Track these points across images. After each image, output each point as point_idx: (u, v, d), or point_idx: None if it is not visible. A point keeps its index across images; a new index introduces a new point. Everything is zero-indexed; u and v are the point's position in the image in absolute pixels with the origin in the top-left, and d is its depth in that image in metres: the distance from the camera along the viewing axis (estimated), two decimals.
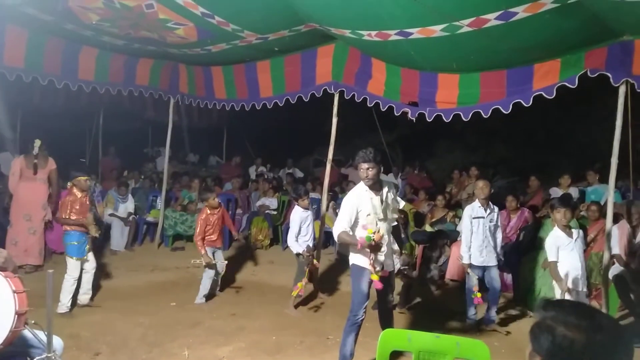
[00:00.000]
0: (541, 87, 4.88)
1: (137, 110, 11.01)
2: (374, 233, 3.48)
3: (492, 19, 4.13)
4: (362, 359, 3.89)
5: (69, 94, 8.02)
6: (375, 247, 3.54)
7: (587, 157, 8.67)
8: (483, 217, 4.74)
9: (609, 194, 4.83)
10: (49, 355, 2.53)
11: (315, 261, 5.34)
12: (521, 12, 4.01)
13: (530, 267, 5.50)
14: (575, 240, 4.24)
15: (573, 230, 4.31)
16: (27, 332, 2.83)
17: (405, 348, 2.30)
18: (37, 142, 6.40)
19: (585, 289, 4.34)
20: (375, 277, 3.53)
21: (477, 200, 4.85)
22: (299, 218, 5.39)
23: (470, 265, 4.75)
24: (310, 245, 5.41)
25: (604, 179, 6.28)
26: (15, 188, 6.36)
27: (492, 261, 4.82)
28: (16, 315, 2.58)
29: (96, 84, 7.03)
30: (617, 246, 4.89)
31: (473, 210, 4.80)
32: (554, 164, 9.78)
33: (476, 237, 4.73)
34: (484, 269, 4.82)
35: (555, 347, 1.05)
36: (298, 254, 5.32)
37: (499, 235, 4.99)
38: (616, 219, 5.03)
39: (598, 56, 4.61)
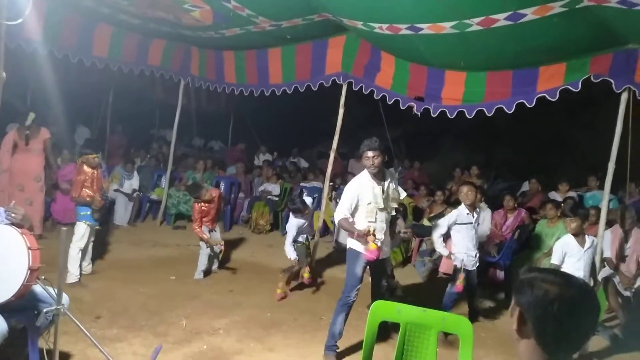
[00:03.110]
0: (545, 89, 4.99)
1: (147, 92, 11.18)
2: (373, 235, 3.61)
3: (501, 19, 4.24)
4: (352, 340, 4.03)
5: (81, 69, 8.16)
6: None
7: (589, 164, 8.76)
8: (471, 223, 4.56)
9: (604, 198, 4.96)
10: (58, 307, 2.67)
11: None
12: (530, 14, 4.12)
13: (522, 265, 5.61)
14: (586, 250, 4.14)
15: (587, 239, 4.18)
16: (37, 287, 2.99)
17: (394, 319, 2.43)
18: (31, 115, 6.40)
19: None
20: (373, 246, 3.58)
21: (463, 205, 4.58)
22: (295, 226, 5.37)
23: (463, 270, 4.49)
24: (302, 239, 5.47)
25: (603, 186, 6.38)
26: (9, 160, 6.37)
27: (477, 263, 4.68)
28: (29, 271, 2.72)
29: (109, 61, 7.15)
30: (609, 250, 5.00)
31: (460, 215, 4.55)
32: (556, 169, 9.89)
33: (464, 243, 4.55)
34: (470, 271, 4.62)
35: (533, 298, 1.21)
36: (295, 242, 5.41)
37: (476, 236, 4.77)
38: (611, 225, 5.15)
39: (603, 62, 4.71)
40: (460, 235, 4.56)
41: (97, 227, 5.25)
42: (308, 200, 5.66)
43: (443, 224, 4.58)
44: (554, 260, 4.24)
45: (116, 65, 7.28)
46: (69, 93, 9.91)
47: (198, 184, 6.11)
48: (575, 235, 4.17)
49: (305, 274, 5.28)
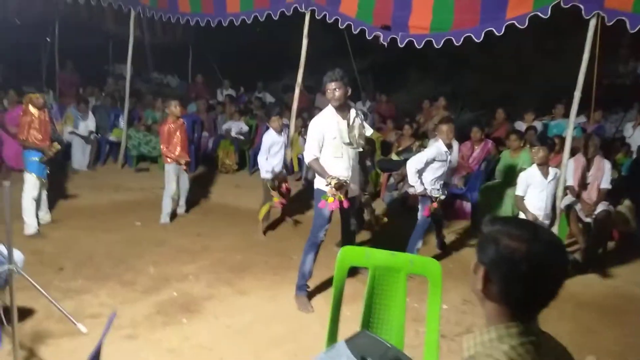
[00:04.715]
0: (514, 15, 4.83)
1: (96, 23, 10.38)
2: (332, 180, 3.52)
3: None
4: (323, 277, 4.06)
5: (20, 1, 7.45)
6: (339, 188, 3.55)
7: (554, 92, 8.79)
8: (445, 160, 4.47)
9: (569, 127, 4.97)
10: (10, 266, 2.52)
11: (284, 184, 5.34)
12: None
13: (488, 195, 5.71)
14: (549, 181, 4.18)
15: (550, 170, 4.22)
16: None
17: (363, 264, 2.40)
18: None
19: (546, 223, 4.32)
20: (330, 200, 3.55)
21: (441, 142, 4.42)
22: (270, 141, 5.25)
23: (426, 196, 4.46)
24: (277, 170, 5.37)
25: (569, 114, 6.37)
26: None
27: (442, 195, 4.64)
28: None
29: None
30: (572, 178, 5.09)
31: (439, 153, 4.40)
32: (521, 98, 9.92)
33: (434, 176, 4.45)
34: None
35: (498, 256, 1.12)
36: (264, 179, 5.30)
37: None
38: (574, 153, 5.22)
39: None
40: (432, 171, 4.44)
41: (45, 181, 4.96)
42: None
43: (421, 160, 4.37)
44: (518, 191, 4.28)
45: None
46: (9, 27, 9.16)
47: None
48: (540, 165, 4.18)
49: (275, 199, 5.19)
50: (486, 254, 1.15)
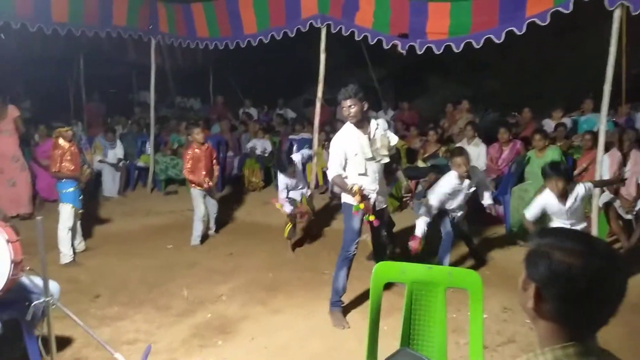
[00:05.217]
0: (534, 13, 4.72)
1: (118, 54, 10.67)
2: (356, 191, 3.45)
3: None
4: (356, 291, 4.00)
5: (45, 39, 7.72)
6: (364, 197, 3.51)
7: (580, 87, 8.55)
8: (461, 191, 4.36)
9: (601, 122, 4.80)
10: (47, 299, 2.56)
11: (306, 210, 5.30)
12: None
13: (521, 198, 5.54)
14: (569, 207, 3.82)
15: (570, 196, 3.81)
16: (24, 279, 2.88)
17: (399, 279, 2.34)
18: None
19: None
20: (361, 206, 3.47)
21: (454, 175, 4.27)
22: (284, 184, 5.20)
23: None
24: (304, 191, 5.33)
25: (598, 108, 6.14)
26: None
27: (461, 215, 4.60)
28: (12, 264, 2.60)
29: (71, 27, 6.72)
30: (608, 174, 4.91)
31: (454, 186, 4.29)
32: (547, 95, 9.67)
33: (451, 204, 4.40)
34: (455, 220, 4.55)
35: (552, 273, 1.03)
36: (289, 199, 5.27)
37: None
38: (608, 148, 5.03)
39: None
40: (449, 199, 4.36)
41: (80, 211, 5.08)
42: (297, 157, 5.34)
43: (434, 202, 4.26)
44: (528, 215, 3.92)
45: (79, 30, 6.85)
46: (36, 63, 9.50)
47: (196, 122, 5.95)
48: (559, 196, 3.81)
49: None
50: (537, 270, 1.06)
